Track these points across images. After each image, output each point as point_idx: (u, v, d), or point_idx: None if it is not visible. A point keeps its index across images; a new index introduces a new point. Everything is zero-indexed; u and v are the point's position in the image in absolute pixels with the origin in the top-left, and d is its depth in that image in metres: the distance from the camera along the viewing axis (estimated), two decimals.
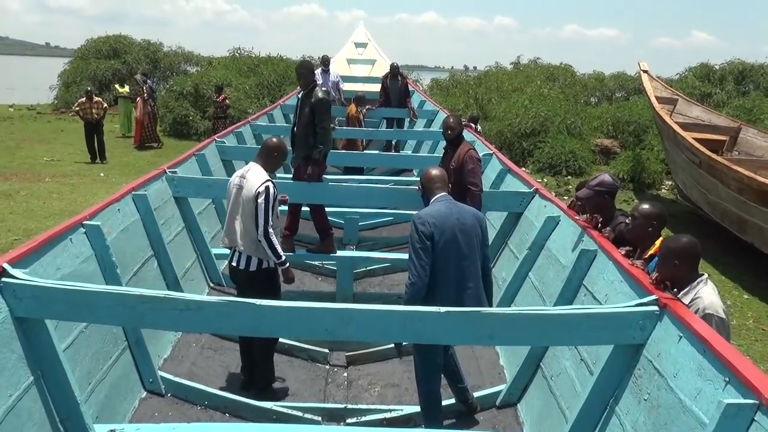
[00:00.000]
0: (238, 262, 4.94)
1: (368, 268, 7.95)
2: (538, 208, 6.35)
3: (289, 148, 5.93)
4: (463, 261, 4.17)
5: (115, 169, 14.92)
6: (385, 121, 14.19)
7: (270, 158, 5.06)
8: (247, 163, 5.13)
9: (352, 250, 8.43)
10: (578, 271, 4.74)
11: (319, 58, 16.72)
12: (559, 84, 26.09)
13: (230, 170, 8.21)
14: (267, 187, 4.82)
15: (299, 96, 6.85)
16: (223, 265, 7.25)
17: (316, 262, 7.90)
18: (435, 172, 4.52)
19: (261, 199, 4.78)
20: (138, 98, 17.90)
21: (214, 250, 6.96)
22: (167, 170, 6.70)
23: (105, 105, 16.26)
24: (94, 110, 15.79)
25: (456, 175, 6.12)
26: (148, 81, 20.22)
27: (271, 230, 4.81)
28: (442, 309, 3.37)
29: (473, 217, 4.31)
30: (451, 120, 6.50)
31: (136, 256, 5.44)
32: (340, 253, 7.32)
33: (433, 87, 27.71)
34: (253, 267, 4.90)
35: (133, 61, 27.80)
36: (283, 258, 4.93)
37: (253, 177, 4.89)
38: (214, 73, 22.76)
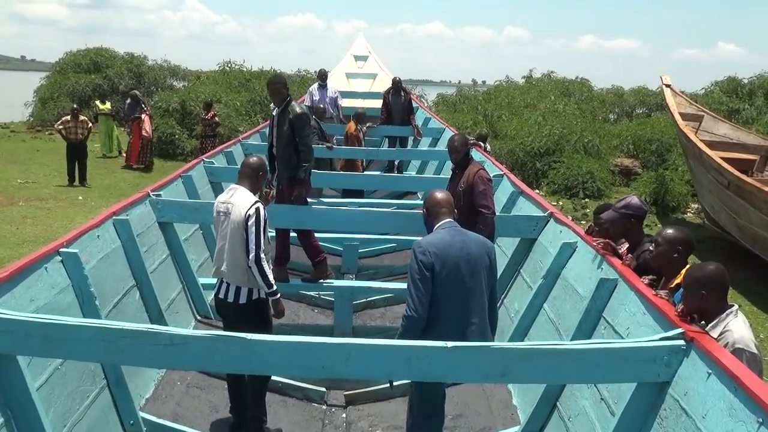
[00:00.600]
0: (225, 295, 4.92)
1: (369, 299, 7.94)
2: (553, 233, 6.35)
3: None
4: (467, 295, 4.16)
5: (94, 191, 14.99)
6: (387, 139, 14.26)
7: (255, 179, 5.08)
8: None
9: (351, 279, 8.43)
10: (597, 301, 4.73)
11: (315, 72, 16.87)
12: (575, 99, 26.25)
13: (219, 193, 8.21)
14: (257, 209, 4.83)
15: (274, 113, 6.87)
16: (211, 296, 7.23)
17: (311, 293, 7.90)
18: (440, 195, 4.51)
19: (251, 222, 4.79)
20: (144, 115, 17.95)
21: (202, 280, 6.95)
22: (151, 193, 6.72)
23: (90, 125, 16.27)
24: (79, 130, 15.76)
25: (465, 198, 6.15)
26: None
27: (263, 255, 4.80)
28: (450, 344, 3.36)
29: (480, 246, 4.29)
30: (456, 141, 6.51)
31: (117, 287, 5.43)
32: (337, 282, 7.31)
33: (439, 103, 27.88)
34: (242, 299, 4.88)
35: (115, 75, 28.08)
36: (275, 287, 4.91)
37: (240, 200, 4.90)
38: (203, 89, 22.97)
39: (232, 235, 4.85)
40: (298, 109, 6.68)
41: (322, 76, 14.56)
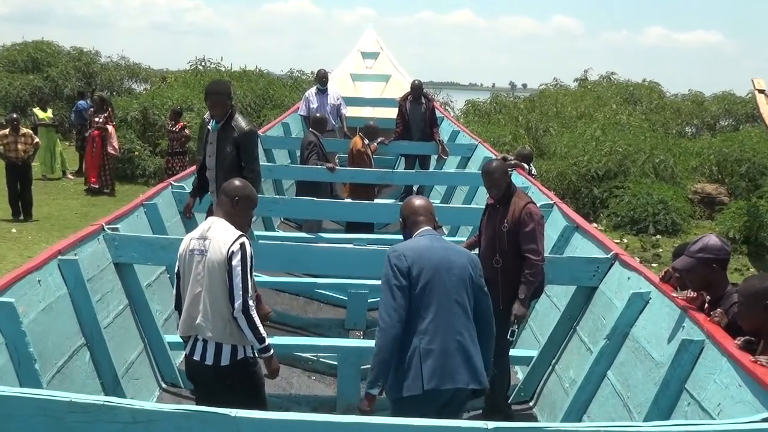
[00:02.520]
0: (202, 356, 4.89)
1: None
2: (618, 280, 6.34)
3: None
4: (449, 306, 4.48)
5: (32, 223, 15.04)
6: (403, 158, 14.28)
7: (241, 209, 5.08)
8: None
9: (359, 337, 8.41)
10: (678, 370, 4.71)
11: (312, 73, 16.92)
12: (642, 108, 26.34)
13: (192, 226, 8.25)
14: (242, 245, 4.84)
15: (209, 127, 6.90)
16: (179, 358, 7.20)
17: (307, 355, 7.87)
18: (419, 202, 4.94)
19: (236, 261, 4.79)
20: (110, 126, 17.95)
21: (168, 338, 6.95)
22: (106, 226, 6.74)
23: (36, 140, 16.06)
24: (20, 146, 15.40)
25: (510, 240, 6.21)
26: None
27: (251, 302, 4.82)
28: (490, 425, 3.33)
29: (463, 256, 4.68)
30: (495, 172, 6.45)
31: (63, 346, 5.43)
32: (341, 342, 7.30)
33: (469, 112, 28.02)
34: (225, 360, 4.86)
35: (59, 75, 28.30)
36: (267, 342, 4.91)
37: (220, 234, 4.90)
38: (170, 93, 23.12)
39: (210, 279, 4.84)
40: (245, 125, 6.86)
41: (322, 79, 14.65)
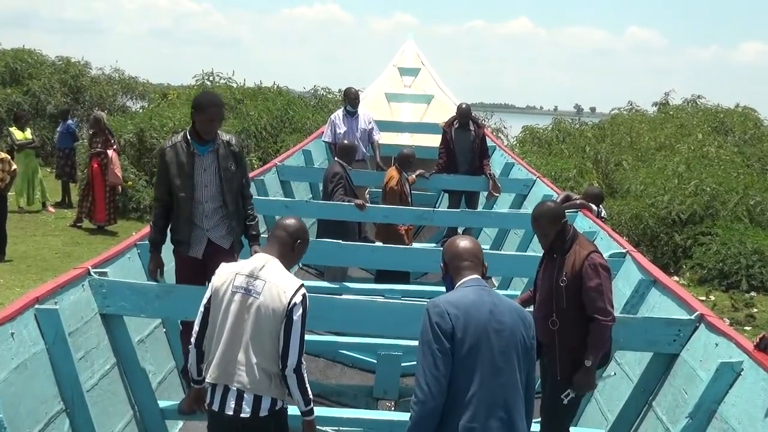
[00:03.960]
0: (237, 407, 5.09)
1: None
2: (704, 347, 6.30)
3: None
4: (495, 377, 4.43)
5: (5, 263, 15.07)
6: (447, 195, 14.25)
7: (292, 250, 5.37)
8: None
9: (390, 409, 8.40)
10: None
11: (340, 92, 16.91)
12: (734, 139, 26.18)
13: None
14: (305, 297, 5.14)
15: (198, 153, 6.88)
16: (175, 429, 7.24)
17: (328, 429, 7.84)
18: (464, 244, 4.88)
19: (298, 315, 5.07)
20: (111, 150, 18.02)
21: (163, 404, 6.99)
22: (92, 270, 6.81)
23: (14, 166, 16.11)
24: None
25: (570, 296, 6.15)
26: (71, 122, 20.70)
27: (303, 362, 5.09)
28: None
29: (515, 314, 4.63)
30: (542, 219, 6.44)
31: (38, 411, 5.46)
32: (369, 414, 7.32)
33: (526, 140, 28.02)
34: (264, 411, 5.12)
35: (42, 89, 28.50)
36: (312, 404, 5.24)
37: (278, 278, 5.15)
38: (171, 112, 23.25)
39: (258, 326, 5.09)
40: (229, 136, 7.04)
41: (353, 100, 14.53)
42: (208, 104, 6.84)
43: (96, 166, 18.00)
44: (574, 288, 6.16)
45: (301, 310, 5.06)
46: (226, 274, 5.28)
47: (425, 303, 7.65)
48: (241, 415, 5.09)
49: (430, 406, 4.36)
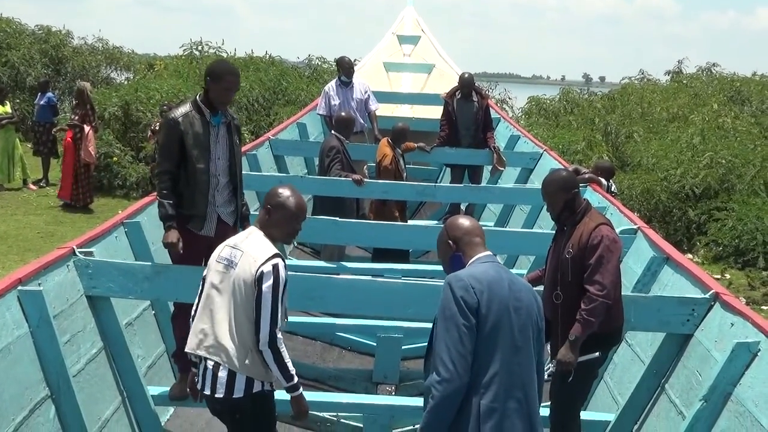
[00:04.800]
0: (212, 387, 5.16)
1: (416, 427, 7.89)
2: (719, 327, 6.30)
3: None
4: (513, 355, 4.47)
5: None
6: (449, 170, 14.25)
7: (268, 216, 5.34)
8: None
9: (390, 393, 8.42)
10: None
11: (334, 61, 16.83)
12: (751, 109, 26.14)
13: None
14: (275, 266, 5.11)
15: (213, 122, 6.85)
16: (165, 416, 7.26)
17: (326, 414, 7.86)
18: (469, 220, 4.97)
19: (267, 285, 5.07)
20: (87, 125, 17.83)
21: (153, 389, 7.00)
22: (77, 250, 6.80)
23: None
24: None
25: (575, 270, 6.13)
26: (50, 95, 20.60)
27: (279, 335, 5.08)
28: None
29: (530, 293, 4.70)
30: (549, 187, 6.49)
31: (21, 398, 5.47)
32: (368, 399, 7.32)
33: (532, 112, 28.00)
34: (239, 392, 5.13)
35: (21, 60, 28.36)
36: (296, 379, 5.20)
37: (253, 248, 5.20)
38: (158, 84, 23.14)
39: (234, 298, 5.15)
40: (232, 112, 7.08)
41: (346, 68, 14.49)
42: (225, 72, 6.82)
43: (69, 139, 17.95)
44: (579, 260, 6.13)
45: (270, 281, 5.06)
46: (221, 246, 5.40)
47: (427, 282, 7.70)
48: (216, 395, 5.15)
49: (456, 384, 4.34)
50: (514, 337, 4.44)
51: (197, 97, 6.87)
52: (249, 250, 5.19)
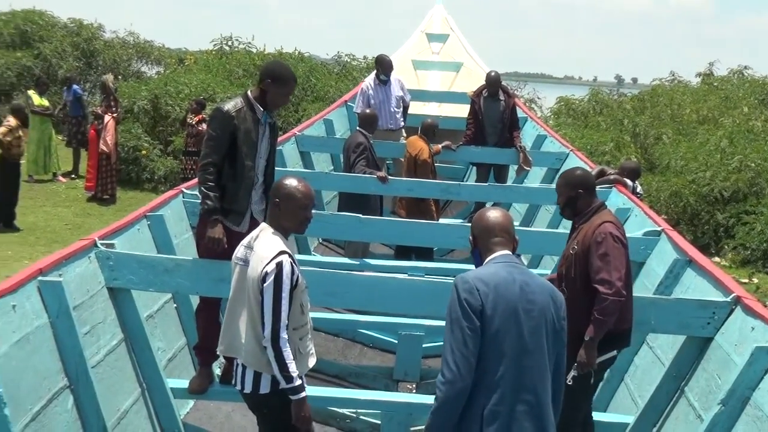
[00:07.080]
0: (242, 383, 5.34)
1: None
2: (739, 330, 6.28)
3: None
4: (523, 358, 4.43)
5: (11, 235, 15.25)
6: (474, 168, 14.21)
7: (278, 209, 5.37)
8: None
9: (410, 391, 8.42)
10: None
11: (365, 58, 16.70)
12: None
13: None
14: (279, 265, 5.15)
15: (263, 120, 6.88)
16: (184, 409, 7.28)
17: (345, 410, 7.87)
18: (494, 216, 4.86)
19: (268, 283, 5.13)
20: (108, 116, 18.01)
21: (172, 382, 7.04)
22: (99, 242, 6.83)
23: (26, 133, 16.07)
24: (22, 141, 15.71)
25: (578, 267, 6.18)
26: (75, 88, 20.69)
27: (283, 334, 5.11)
28: None
29: (546, 293, 4.62)
30: (559, 180, 6.61)
31: (40, 388, 5.50)
32: (388, 396, 7.33)
33: (561, 112, 27.92)
34: (264, 388, 5.28)
35: (53, 53, 28.43)
36: (297, 382, 5.19)
37: (262, 247, 5.28)
38: (188, 78, 23.28)
39: (249, 298, 5.26)
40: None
41: (387, 68, 14.08)
42: (291, 78, 6.89)
43: (93, 131, 18.10)
44: (582, 257, 6.18)
45: (271, 279, 5.11)
46: (238, 248, 5.51)
47: (450, 281, 7.67)
48: (245, 391, 5.32)
49: (459, 386, 4.35)
50: (523, 340, 4.42)
51: (248, 92, 6.88)
52: (258, 249, 5.27)
